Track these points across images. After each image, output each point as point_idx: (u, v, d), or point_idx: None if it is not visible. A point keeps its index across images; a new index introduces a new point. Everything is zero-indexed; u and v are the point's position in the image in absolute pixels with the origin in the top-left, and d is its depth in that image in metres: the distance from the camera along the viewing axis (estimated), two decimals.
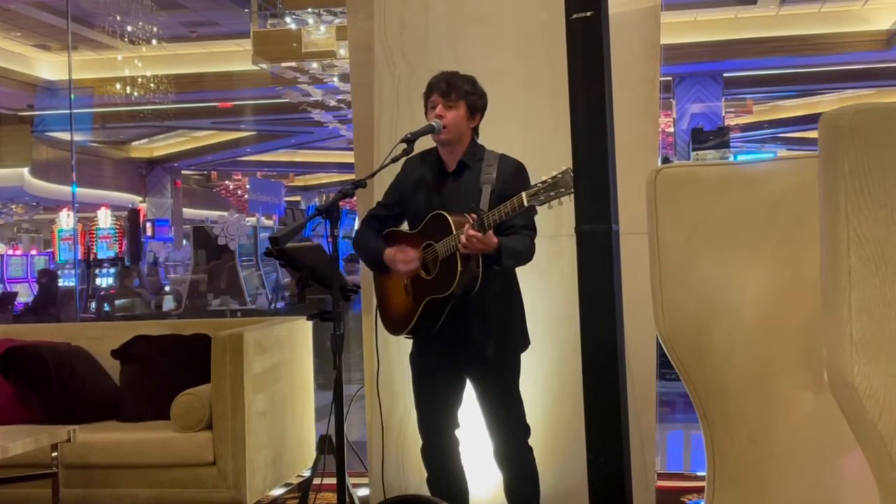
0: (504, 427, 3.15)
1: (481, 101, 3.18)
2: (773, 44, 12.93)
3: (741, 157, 13.74)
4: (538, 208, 2.94)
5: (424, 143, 3.20)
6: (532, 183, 2.94)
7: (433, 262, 3.04)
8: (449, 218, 2.99)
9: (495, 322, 3.11)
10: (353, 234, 3.40)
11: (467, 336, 3.09)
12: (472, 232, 2.87)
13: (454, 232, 2.95)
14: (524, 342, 3.21)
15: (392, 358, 3.69)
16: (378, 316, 3.31)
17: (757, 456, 2.05)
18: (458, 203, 3.05)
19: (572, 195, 2.81)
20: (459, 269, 2.94)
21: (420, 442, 3.26)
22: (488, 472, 3.37)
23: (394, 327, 3.24)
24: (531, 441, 3.20)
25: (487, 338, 3.09)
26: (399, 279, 3.17)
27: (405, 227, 3.26)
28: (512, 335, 3.17)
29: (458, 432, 3.24)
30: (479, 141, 3.22)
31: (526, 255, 3.08)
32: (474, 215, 2.91)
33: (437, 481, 3.24)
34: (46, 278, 13.22)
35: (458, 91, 3.12)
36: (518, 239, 3.04)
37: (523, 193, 2.83)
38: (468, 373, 3.17)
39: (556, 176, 2.80)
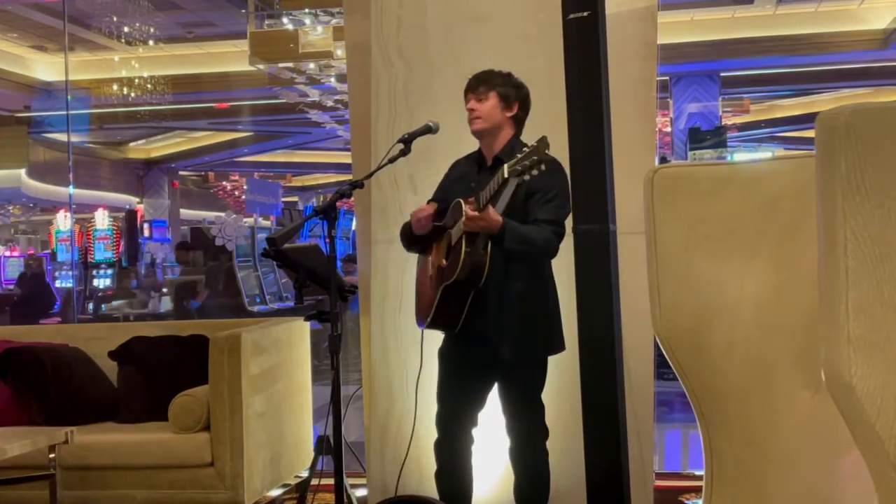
0: (522, 427, 3.15)
1: (515, 92, 3.18)
2: (770, 43, 12.93)
3: (738, 157, 13.74)
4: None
5: (423, 144, 3.20)
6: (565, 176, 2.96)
7: (448, 249, 3.06)
8: (463, 205, 3.00)
9: (522, 321, 3.09)
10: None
11: (494, 334, 3.07)
12: (470, 212, 2.89)
13: (464, 213, 2.96)
14: (556, 344, 3.19)
15: (390, 359, 3.69)
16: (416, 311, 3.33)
17: (755, 456, 2.05)
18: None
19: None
20: (463, 252, 2.94)
21: (435, 436, 3.25)
22: (491, 471, 3.37)
23: (418, 317, 3.27)
24: None
25: (514, 337, 3.07)
26: (427, 267, 3.19)
27: None
28: (539, 335, 3.14)
29: (474, 432, 3.24)
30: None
31: (539, 243, 3.03)
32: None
33: (444, 477, 3.23)
34: (30, 272, 13.25)
35: (487, 83, 3.15)
36: (533, 227, 3.02)
37: (504, 166, 2.83)
38: (495, 370, 3.16)
39: (532, 144, 2.80)
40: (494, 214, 2.90)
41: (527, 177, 2.79)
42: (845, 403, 1.33)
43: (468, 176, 3.23)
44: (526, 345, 3.12)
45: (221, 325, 4.48)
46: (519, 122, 3.20)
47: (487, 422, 3.22)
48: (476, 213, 2.89)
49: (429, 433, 3.28)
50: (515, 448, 3.17)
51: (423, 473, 3.31)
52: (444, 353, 3.26)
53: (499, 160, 3.13)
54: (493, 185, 2.87)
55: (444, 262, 3.09)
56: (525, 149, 2.82)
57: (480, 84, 3.16)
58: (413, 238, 3.25)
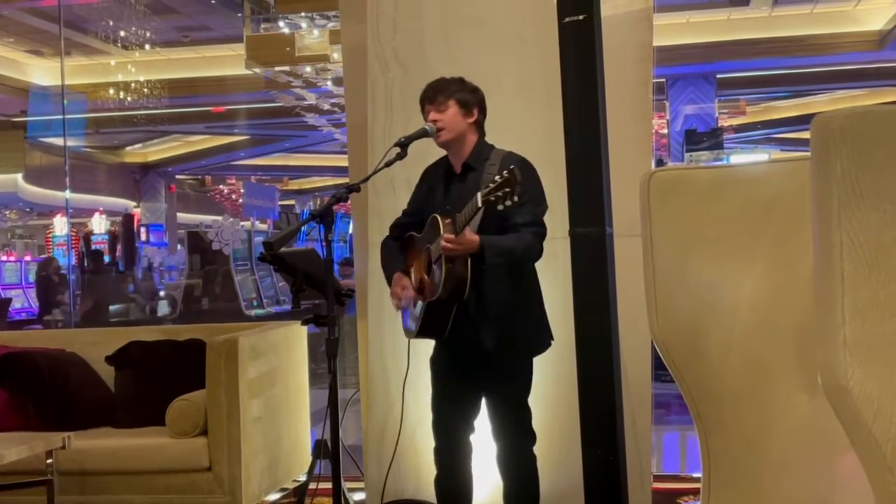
0: (509, 432, 3.14)
1: (473, 96, 3.14)
2: (766, 45, 12.95)
3: (734, 158, 13.75)
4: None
5: (420, 147, 3.20)
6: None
7: (428, 266, 3.05)
8: (439, 220, 2.98)
9: (508, 330, 3.07)
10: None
11: (480, 343, 3.06)
12: (447, 236, 2.87)
13: (441, 234, 2.95)
14: (541, 344, 3.17)
15: (388, 363, 3.69)
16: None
17: (752, 458, 2.05)
18: (461, 205, 3.03)
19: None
20: (444, 272, 2.94)
21: (433, 443, 3.25)
22: (486, 476, 3.37)
23: (406, 327, 3.26)
24: None
25: (500, 346, 3.06)
26: (411, 279, 3.19)
27: None
28: (526, 342, 3.14)
29: (472, 438, 3.22)
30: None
31: (521, 252, 3.00)
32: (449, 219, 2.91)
33: (443, 483, 3.23)
34: (45, 272, 13.16)
35: (445, 92, 3.11)
36: (513, 237, 2.98)
37: (478, 194, 2.81)
38: (482, 379, 3.15)
39: (504, 175, 2.75)
40: (471, 235, 2.88)
41: (500, 206, 2.76)
42: (842, 407, 1.33)
43: (437, 187, 3.20)
44: (517, 351, 3.11)
45: (218, 329, 4.47)
46: (480, 126, 3.17)
47: (485, 429, 3.21)
48: (453, 237, 2.86)
49: (427, 437, 3.28)
50: (503, 453, 3.16)
51: (421, 478, 3.32)
52: (435, 361, 3.25)
53: (468, 167, 3.13)
54: (467, 211, 2.85)
55: (425, 277, 3.08)
56: (497, 178, 2.77)
57: (438, 94, 3.10)
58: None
